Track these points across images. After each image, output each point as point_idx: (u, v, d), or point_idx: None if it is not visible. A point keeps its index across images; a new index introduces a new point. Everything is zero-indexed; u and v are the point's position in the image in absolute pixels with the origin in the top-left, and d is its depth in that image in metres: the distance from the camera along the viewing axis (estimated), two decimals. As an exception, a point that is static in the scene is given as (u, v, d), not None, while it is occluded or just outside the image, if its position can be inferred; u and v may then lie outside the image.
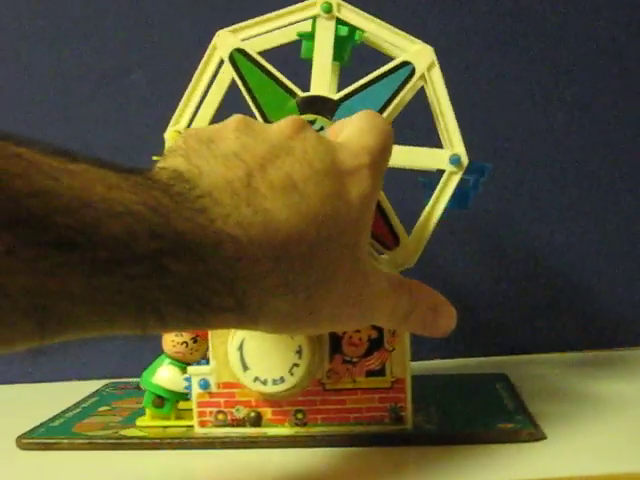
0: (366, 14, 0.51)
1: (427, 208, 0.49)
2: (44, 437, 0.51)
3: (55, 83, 0.71)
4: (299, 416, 0.49)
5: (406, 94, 0.50)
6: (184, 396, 0.52)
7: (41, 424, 0.53)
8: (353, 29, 0.51)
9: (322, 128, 0.52)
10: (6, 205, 0.29)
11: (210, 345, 0.49)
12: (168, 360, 0.53)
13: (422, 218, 0.49)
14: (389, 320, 0.43)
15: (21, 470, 0.48)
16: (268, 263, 0.36)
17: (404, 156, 0.50)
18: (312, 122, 0.52)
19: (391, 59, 0.51)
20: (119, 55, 0.71)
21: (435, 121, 0.50)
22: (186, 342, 0.52)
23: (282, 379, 0.47)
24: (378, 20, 0.51)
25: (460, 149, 0.49)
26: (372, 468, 0.47)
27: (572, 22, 0.72)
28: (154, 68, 0.70)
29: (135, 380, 0.66)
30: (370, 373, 0.49)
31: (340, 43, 0.51)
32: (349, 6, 0.51)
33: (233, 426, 0.49)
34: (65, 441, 0.50)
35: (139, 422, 0.52)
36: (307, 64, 0.52)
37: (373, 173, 0.40)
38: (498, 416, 0.52)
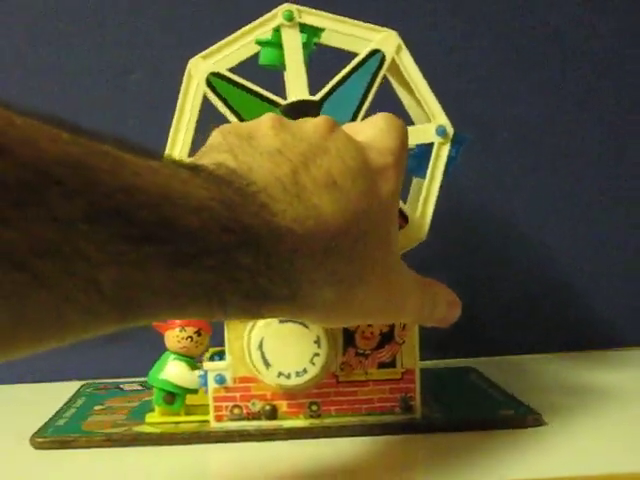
0: (326, 13, 0.53)
1: (426, 183, 0.52)
2: (58, 436, 0.51)
3: (55, 83, 0.71)
4: (314, 408, 0.51)
5: (380, 82, 0.52)
6: (193, 391, 0.53)
7: (46, 424, 0.53)
8: (312, 33, 0.53)
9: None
10: (99, 200, 0.30)
11: (226, 341, 0.50)
12: (173, 356, 0.53)
13: (424, 193, 0.52)
14: (417, 315, 0.45)
15: (38, 469, 0.48)
16: (319, 256, 0.37)
17: None
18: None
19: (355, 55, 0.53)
20: (119, 55, 0.71)
21: (416, 99, 0.53)
22: (191, 336, 0.53)
23: (305, 370, 0.49)
24: (340, 17, 0.53)
25: (444, 120, 0.52)
26: (385, 456, 0.49)
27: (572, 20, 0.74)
28: (154, 69, 0.71)
29: (110, 381, 0.67)
30: (381, 365, 0.51)
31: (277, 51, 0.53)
32: (309, 9, 0.53)
33: (249, 419, 0.51)
34: (83, 438, 0.50)
35: (149, 419, 0.53)
36: (271, 72, 0.54)
37: (397, 171, 0.43)
38: (494, 404, 0.55)
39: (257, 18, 0.54)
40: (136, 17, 0.71)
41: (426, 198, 0.52)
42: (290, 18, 0.52)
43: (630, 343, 0.75)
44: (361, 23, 0.53)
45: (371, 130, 0.44)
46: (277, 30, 0.52)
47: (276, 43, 0.53)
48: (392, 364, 0.51)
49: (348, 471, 0.46)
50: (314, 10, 0.53)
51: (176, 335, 0.53)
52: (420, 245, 0.52)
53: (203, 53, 0.53)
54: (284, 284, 0.37)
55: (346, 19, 0.53)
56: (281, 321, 0.49)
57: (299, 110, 0.53)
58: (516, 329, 0.75)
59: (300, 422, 0.51)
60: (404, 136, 0.44)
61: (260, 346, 0.49)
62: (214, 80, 0.52)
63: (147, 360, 0.65)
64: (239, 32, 0.53)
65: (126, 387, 0.65)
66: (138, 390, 0.64)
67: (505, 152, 0.75)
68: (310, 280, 0.38)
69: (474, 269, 0.75)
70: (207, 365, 0.51)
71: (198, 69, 0.52)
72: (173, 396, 0.53)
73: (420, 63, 0.52)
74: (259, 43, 0.53)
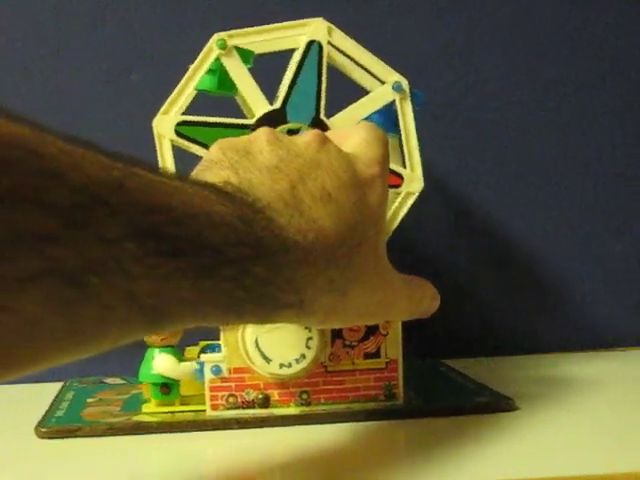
0: (252, 28, 0.56)
1: (404, 141, 0.57)
2: (61, 425, 0.53)
3: (55, 83, 0.72)
4: (304, 396, 0.54)
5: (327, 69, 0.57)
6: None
7: (46, 415, 0.56)
8: (246, 53, 0.56)
9: (305, 134, 0.58)
10: (134, 218, 0.32)
11: (222, 334, 0.53)
12: (158, 350, 0.56)
13: (406, 151, 0.57)
14: (407, 312, 0.50)
15: (44, 458, 0.50)
16: (321, 264, 0.41)
17: (361, 109, 0.56)
18: (297, 130, 0.57)
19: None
20: (118, 56, 0.72)
21: (364, 71, 0.57)
22: None
23: (303, 356, 0.53)
24: (265, 27, 0.56)
25: (397, 77, 0.57)
26: (370, 440, 0.52)
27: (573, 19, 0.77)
28: (153, 69, 0.72)
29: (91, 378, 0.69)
30: (367, 355, 0.55)
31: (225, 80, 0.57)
32: (238, 31, 0.56)
33: (243, 408, 0.54)
34: (87, 427, 0.52)
35: (145, 409, 0.56)
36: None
37: (383, 180, 0.46)
38: (469, 392, 0.59)
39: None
40: (136, 17, 0.72)
41: (410, 153, 0.57)
42: (223, 46, 0.55)
43: (630, 343, 0.77)
44: (285, 23, 0.57)
45: (355, 141, 0.47)
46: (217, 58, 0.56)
47: (211, 69, 0.56)
48: (377, 354, 0.55)
49: (336, 455, 0.49)
50: (241, 30, 0.56)
51: None
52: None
53: (162, 109, 0.56)
54: (292, 292, 0.40)
55: (271, 26, 0.56)
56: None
57: (268, 123, 0.57)
58: (516, 329, 0.77)
59: (291, 410, 0.54)
60: (386, 145, 0.47)
61: (257, 345, 0.52)
62: (183, 129, 0.56)
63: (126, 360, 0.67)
64: (188, 72, 0.56)
65: (109, 381, 0.68)
66: (122, 384, 0.67)
67: (502, 153, 0.77)
68: (314, 288, 0.41)
69: (474, 269, 0.77)
70: (204, 357, 0.54)
71: (164, 126, 0.56)
72: (168, 387, 0.56)
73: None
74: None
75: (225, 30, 0.57)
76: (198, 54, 0.57)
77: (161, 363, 0.56)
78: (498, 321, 0.77)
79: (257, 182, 0.40)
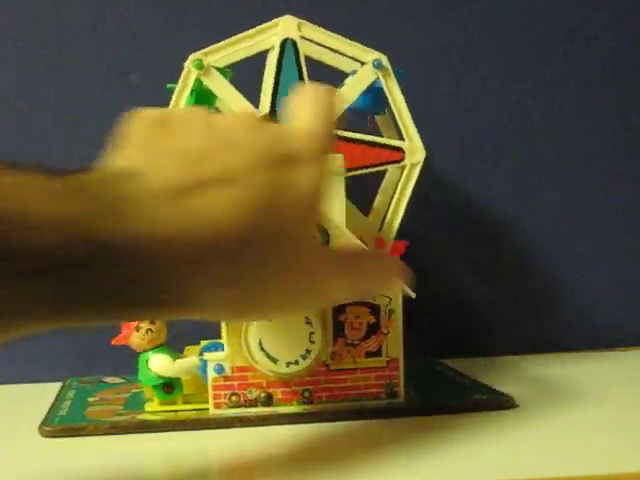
0: (224, 42, 0.57)
1: (397, 116, 0.58)
2: (65, 424, 0.53)
3: (55, 84, 0.72)
4: (306, 395, 0.55)
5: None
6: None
7: (49, 414, 0.56)
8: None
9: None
10: None
11: (224, 333, 0.54)
12: (151, 352, 0.56)
13: (400, 123, 0.58)
14: (342, 291, 0.44)
15: (50, 456, 0.50)
16: (211, 259, 0.37)
17: (347, 93, 0.58)
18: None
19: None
20: (118, 57, 0.72)
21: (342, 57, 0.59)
22: (149, 329, 0.55)
23: (307, 351, 0.53)
24: (238, 36, 0.57)
25: (375, 54, 0.58)
26: (372, 438, 0.53)
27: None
28: (153, 69, 0.72)
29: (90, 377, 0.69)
30: (369, 354, 0.55)
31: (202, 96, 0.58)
32: (212, 47, 0.57)
33: (246, 406, 0.54)
34: (91, 426, 0.53)
35: (148, 408, 0.56)
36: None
37: (317, 158, 0.40)
38: (467, 390, 0.59)
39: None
40: (136, 17, 0.72)
41: (405, 126, 0.58)
42: (200, 66, 0.56)
43: (630, 343, 0.78)
44: (258, 28, 0.58)
45: (303, 114, 0.42)
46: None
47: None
48: (378, 353, 0.55)
49: (339, 452, 0.50)
50: (215, 46, 0.57)
51: (137, 337, 0.56)
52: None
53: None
54: (167, 288, 0.37)
55: (242, 34, 0.57)
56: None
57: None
58: (515, 329, 0.77)
59: (294, 408, 0.54)
60: (331, 122, 0.43)
61: (261, 347, 0.53)
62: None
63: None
64: (172, 105, 0.57)
65: (108, 380, 0.68)
66: (122, 383, 0.67)
67: (502, 152, 0.77)
68: (202, 283, 0.37)
69: (473, 268, 0.77)
70: (207, 356, 0.54)
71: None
72: (171, 386, 0.56)
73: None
74: (170, 88, 0.58)
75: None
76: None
77: (156, 364, 0.56)
78: (497, 321, 0.77)
79: (158, 166, 0.37)
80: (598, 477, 0.44)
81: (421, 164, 0.59)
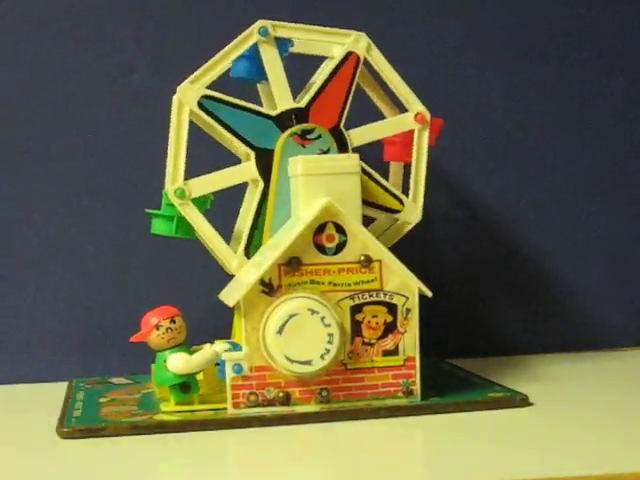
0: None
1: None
2: (83, 425, 0.53)
3: (55, 83, 0.72)
4: (324, 394, 0.55)
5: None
6: (198, 372, 0.56)
7: (63, 415, 0.56)
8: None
9: (320, 136, 0.58)
10: None
11: (243, 332, 0.54)
12: (168, 351, 0.56)
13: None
14: None
15: (67, 458, 0.50)
16: None
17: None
18: (311, 130, 0.58)
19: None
20: (122, 56, 0.72)
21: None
22: (169, 327, 0.55)
23: (326, 350, 0.53)
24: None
25: (261, 23, 0.58)
26: (389, 437, 0.53)
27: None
28: (155, 68, 0.72)
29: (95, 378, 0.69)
30: (385, 353, 0.55)
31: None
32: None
33: (264, 406, 0.54)
34: (111, 427, 0.52)
35: (164, 408, 0.56)
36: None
37: None
38: (481, 388, 0.60)
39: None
40: (137, 18, 0.72)
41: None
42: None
43: (630, 343, 0.79)
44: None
45: None
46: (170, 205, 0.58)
47: (167, 216, 0.58)
48: (395, 352, 0.55)
49: (357, 451, 0.50)
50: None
51: (157, 335, 0.55)
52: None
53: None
54: None
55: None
56: (297, 313, 0.53)
57: (288, 118, 0.58)
58: (515, 329, 0.78)
59: (311, 407, 0.55)
60: None
61: (276, 338, 0.53)
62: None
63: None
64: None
65: (115, 381, 0.68)
66: (129, 383, 0.67)
67: (504, 154, 0.78)
68: None
69: (474, 269, 0.78)
70: (226, 355, 0.54)
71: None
72: (188, 386, 0.56)
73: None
74: (150, 214, 0.59)
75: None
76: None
77: (174, 363, 0.55)
78: (497, 321, 0.78)
79: None
80: (599, 477, 0.44)
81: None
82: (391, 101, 0.62)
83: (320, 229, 0.54)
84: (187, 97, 0.57)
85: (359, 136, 0.59)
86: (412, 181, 0.60)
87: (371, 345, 0.55)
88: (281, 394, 0.54)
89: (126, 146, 0.72)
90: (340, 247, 0.55)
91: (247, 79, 0.60)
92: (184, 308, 0.57)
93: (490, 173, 0.77)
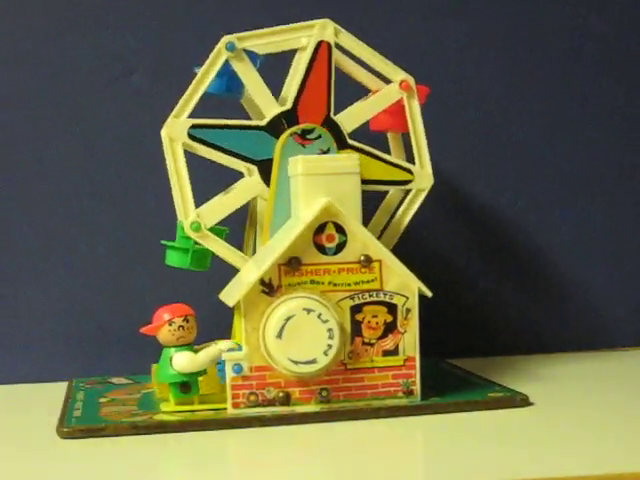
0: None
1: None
2: (83, 425, 0.53)
3: (55, 83, 0.72)
4: (324, 394, 0.55)
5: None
6: (202, 373, 0.56)
7: (63, 415, 0.55)
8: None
9: (320, 136, 0.58)
10: None
11: (243, 332, 0.54)
12: (174, 349, 0.56)
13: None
14: None
15: (67, 458, 0.50)
16: None
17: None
18: (311, 130, 0.58)
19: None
20: (122, 56, 0.72)
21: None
22: (181, 325, 0.56)
23: (327, 349, 0.53)
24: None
25: (228, 38, 0.57)
26: (389, 436, 0.53)
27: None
28: (155, 69, 0.72)
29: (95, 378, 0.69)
30: (385, 353, 0.55)
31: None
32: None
33: (264, 406, 0.54)
34: (111, 426, 0.52)
35: (164, 408, 0.56)
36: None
37: None
38: (481, 387, 0.60)
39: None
40: (137, 18, 0.72)
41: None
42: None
43: (630, 343, 0.79)
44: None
45: None
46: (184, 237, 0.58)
47: (182, 248, 0.58)
48: (395, 352, 0.55)
49: (357, 451, 0.50)
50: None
51: (168, 330, 0.56)
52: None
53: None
54: None
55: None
56: (293, 315, 0.53)
57: (279, 123, 0.58)
58: (515, 329, 0.78)
59: (311, 407, 0.55)
60: None
61: (276, 338, 0.53)
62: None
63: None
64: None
65: (114, 381, 0.68)
66: (129, 383, 0.67)
67: (505, 153, 0.78)
68: None
69: (475, 269, 0.78)
70: (225, 355, 0.54)
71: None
72: (188, 385, 0.56)
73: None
74: (165, 245, 0.59)
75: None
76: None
77: (179, 361, 0.56)
78: (497, 321, 0.78)
79: None
80: (599, 477, 0.44)
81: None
82: (374, 76, 0.62)
83: (320, 229, 0.54)
84: (175, 132, 0.57)
85: (351, 119, 0.59)
86: (415, 149, 0.60)
87: (371, 345, 0.55)
88: (281, 394, 0.54)
89: (126, 146, 0.72)
90: (340, 247, 0.55)
91: (227, 96, 0.60)
92: (184, 308, 0.57)
93: (490, 173, 0.77)
